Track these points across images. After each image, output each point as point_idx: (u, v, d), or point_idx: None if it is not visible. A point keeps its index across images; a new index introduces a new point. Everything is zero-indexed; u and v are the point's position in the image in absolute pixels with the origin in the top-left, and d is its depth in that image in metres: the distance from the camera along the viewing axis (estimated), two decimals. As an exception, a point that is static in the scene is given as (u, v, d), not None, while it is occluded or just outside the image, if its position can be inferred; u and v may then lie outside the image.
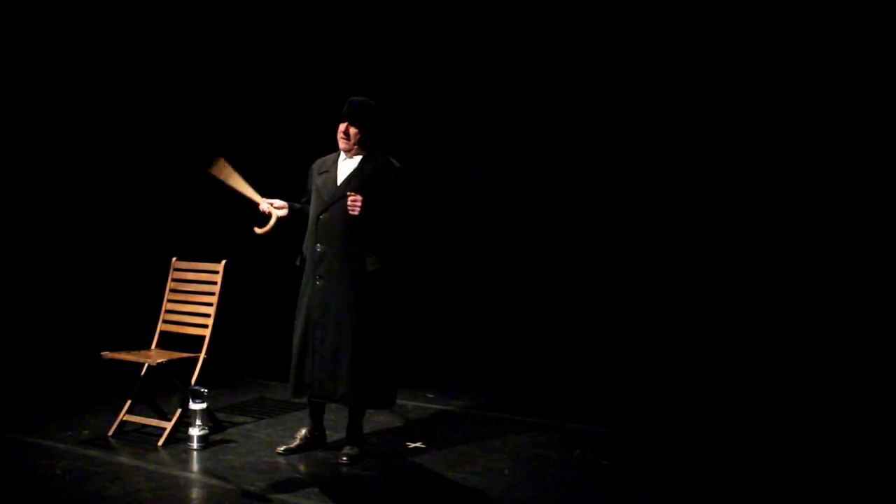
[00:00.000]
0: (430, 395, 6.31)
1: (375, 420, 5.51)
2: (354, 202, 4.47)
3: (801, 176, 6.64)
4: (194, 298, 5.33)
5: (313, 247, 4.66)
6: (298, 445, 4.86)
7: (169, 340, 5.40)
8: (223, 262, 5.25)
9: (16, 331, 6.99)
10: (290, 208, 4.79)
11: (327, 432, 5.00)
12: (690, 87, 7.02)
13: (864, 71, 6.37)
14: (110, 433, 5.17)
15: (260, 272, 7.43)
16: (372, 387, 4.64)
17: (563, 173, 7.62)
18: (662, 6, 7.07)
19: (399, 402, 5.92)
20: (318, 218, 4.66)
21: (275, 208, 4.74)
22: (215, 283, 5.22)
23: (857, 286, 6.43)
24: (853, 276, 6.45)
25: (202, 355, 5.10)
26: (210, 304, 5.20)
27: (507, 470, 4.58)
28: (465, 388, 6.60)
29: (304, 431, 4.91)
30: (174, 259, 5.51)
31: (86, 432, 5.25)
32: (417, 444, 5.02)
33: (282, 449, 4.84)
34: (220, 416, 5.56)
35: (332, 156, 4.81)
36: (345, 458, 4.67)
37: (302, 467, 4.63)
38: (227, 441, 5.11)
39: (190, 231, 7.48)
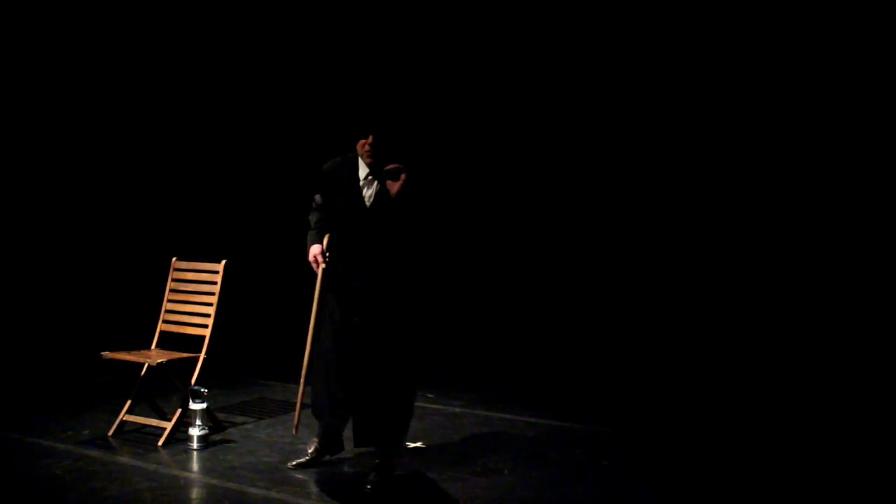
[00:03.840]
0: (429, 395, 6.30)
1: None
2: (395, 174, 4.16)
3: (801, 176, 6.65)
4: (194, 298, 5.32)
5: (349, 279, 4.29)
6: (310, 460, 4.61)
7: (169, 340, 5.40)
8: (223, 262, 5.24)
9: (16, 330, 6.99)
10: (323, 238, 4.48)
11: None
12: (689, 88, 7.02)
13: (863, 72, 6.37)
14: (110, 433, 5.17)
15: (260, 272, 7.43)
16: (400, 425, 4.37)
17: (562, 173, 7.62)
18: (662, 6, 7.08)
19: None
20: (351, 249, 4.29)
21: (321, 262, 4.37)
22: (215, 283, 5.21)
23: (856, 286, 6.43)
24: (852, 276, 6.46)
25: (202, 355, 5.10)
26: (210, 304, 5.20)
27: (507, 470, 4.57)
28: (465, 388, 6.59)
29: (315, 444, 4.65)
30: (174, 259, 5.51)
31: (86, 432, 5.25)
32: (417, 444, 5.02)
33: (293, 464, 4.60)
34: (220, 416, 5.55)
35: (344, 166, 4.37)
36: (369, 487, 4.31)
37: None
38: (227, 441, 5.10)
39: (190, 231, 7.48)
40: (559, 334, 7.49)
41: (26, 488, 4.28)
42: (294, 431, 4.58)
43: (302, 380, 4.42)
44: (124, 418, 5.18)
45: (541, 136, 7.69)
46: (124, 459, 4.74)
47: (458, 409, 5.95)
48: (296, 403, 4.51)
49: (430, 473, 4.51)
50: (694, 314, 6.98)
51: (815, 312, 6.53)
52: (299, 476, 4.47)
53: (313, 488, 4.31)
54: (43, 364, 6.96)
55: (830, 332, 6.44)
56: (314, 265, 4.36)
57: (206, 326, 5.17)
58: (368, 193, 4.30)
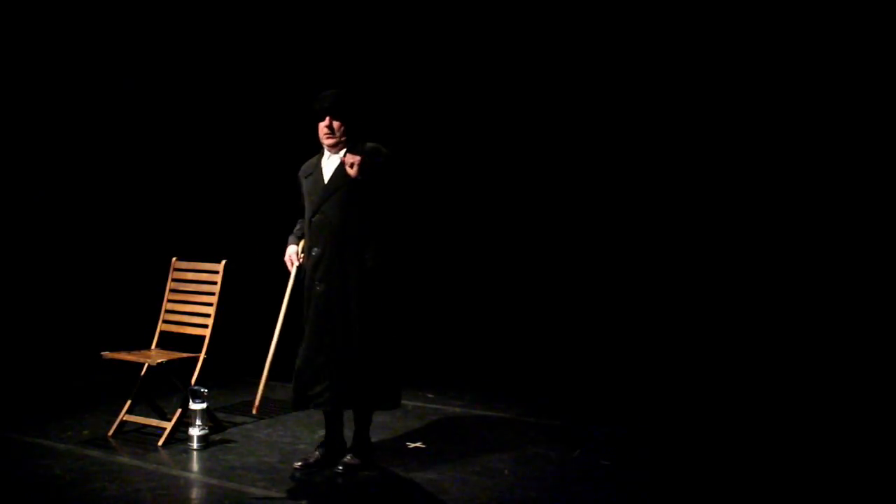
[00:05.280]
0: (430, 395, 6.31)
1: (376, 420, 5.49)
2: (353, 164, 4.18)
3: (800, 175, 6.65)
4: (194, 298, 5.33)
5: (309, 251, 4.47)
6: (317, 461, 4.60)
7: (169, 340, 5.40)
8: (223, 262, 5.25)
9: (16, 330, 6.99)
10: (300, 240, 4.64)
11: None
12: (687, 86, 7.02)
13: (864, 72, 6.38)
14: (110, 433, 5.18)
15: (260, 272, 7.42)
16: (380, 387, 4.46)
17: (561, 172, 7.62)
18: (661, 6, 7.07)
19: (399, 402, 5.93)
20: (310, 221, 4.46)
21: (294, 262, 4.56)
22: (215, 283, 5.22)
23: (855, 285, 6.43)
24: (851, 275, 6.46)
25: (202, 355, 5.10)
26: (210, 304, 5.20)
27: (507, 470, 4.57)
28: (465, 388, 6.60)
29: (323, 450, 4.64)
30: (174, 259, 5.51)
31: (86, 432, 5.26)
32: (417, 444, 5.02)
33: (299, 464, 4.59)
34: (220, 416, 5.56)
35: (315, 157, 4.61)
36: (341, 468, 4.47)
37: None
38: (227, 441, 5.11)
39: (190, 231, 7.48)
40: (559, 334, 7.49)
41: (26, 488, 4.29)
42: (254, 411, 4.43)
43: (264, 374, 4.41)
44: (124, 418, 5.19)
45: (539, 131, 7.68)
46: (124, 459, 4.75)
47: (458, 409, 5.95)
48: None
49: (430, 473, 4.51)
50: (694, 313, 6.97)
51: (814, 312, 6.53)
52: (299, 476, 4.47)
53: (313, 489, 4.31)
54: (43, 364, 6.96)
55: (829, 332, 6.43)
56: (288, 264, 4.57)
57: (206, 326, 5.18)
58: (327, 169, 4.49)
